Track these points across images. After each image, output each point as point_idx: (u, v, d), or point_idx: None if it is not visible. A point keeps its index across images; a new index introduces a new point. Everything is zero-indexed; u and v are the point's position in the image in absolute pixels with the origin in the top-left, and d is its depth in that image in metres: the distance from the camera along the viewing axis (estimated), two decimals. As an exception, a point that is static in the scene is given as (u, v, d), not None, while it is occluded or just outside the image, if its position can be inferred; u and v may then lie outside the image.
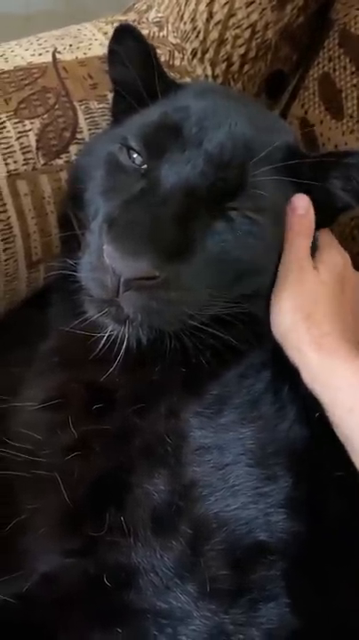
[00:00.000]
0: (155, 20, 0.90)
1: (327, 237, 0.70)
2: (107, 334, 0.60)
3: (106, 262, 0.55)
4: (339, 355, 0.58)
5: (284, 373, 0.60)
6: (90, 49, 0.85)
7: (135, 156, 0.65)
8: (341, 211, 0.70)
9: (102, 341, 0.60)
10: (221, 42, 0.87)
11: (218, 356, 0.61)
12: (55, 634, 0.52)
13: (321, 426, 0.57)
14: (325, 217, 0.69)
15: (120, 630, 0.51)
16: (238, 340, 0.61)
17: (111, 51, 0.75)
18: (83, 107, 0.81)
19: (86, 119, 0.81)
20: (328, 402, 0.57)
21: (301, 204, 0.66)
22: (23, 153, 0.76)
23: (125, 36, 0.73)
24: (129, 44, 0.72)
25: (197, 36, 0.88)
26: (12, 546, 0.57)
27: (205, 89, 0.79)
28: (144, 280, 0.55)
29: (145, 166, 0.64)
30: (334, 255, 0.68)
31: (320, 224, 0.68)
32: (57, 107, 0.79)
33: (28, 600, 0.53)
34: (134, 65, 0.71)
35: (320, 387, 0.58)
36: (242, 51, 0.88)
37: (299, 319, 0.61)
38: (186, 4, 0.88)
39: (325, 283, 0.65)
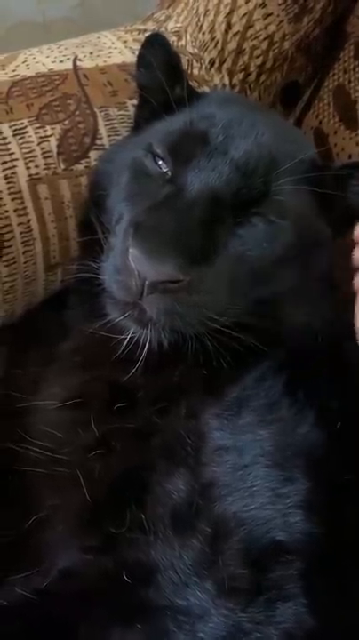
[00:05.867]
0: (173, 30, 0.91)
1: None
2: (129, 336, 0.61)
3: (131, 265, 0.56)
4: None
5: (302, 377, 0.61)
6: (110, 57, 0.86)
7: (160, 162, 0.66)
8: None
9: (124, 343, 0.61)
10: (239, 52, 0.89)
11: (238, 359, 0.62)
12: (75, 629, 0.52)
13: (340, 433, 0.58)
14: (343, 226, 0.70)
15: (140, 626, 0.52)
16: (258, 343, 0.62)
17: (140, 56, 0.77)
18: (103, 113, 0.82)
19: (106, 125, 0.82)
20: None
21: None
22: (44, 158, 0.78)
23: (155, 44, 0.75)
24: (157, 52, 0.74)
25: (216, 46, 0.89)
26: (32, 542, 0.58)
27: (227, 99, 0.80)
28: (168, 283, 0.56)
29: (170, 173, 0.65)
30: None
31: (337, 234, 0.69)
32: (77, 113, 0.80)
33: (48, 596, 0.53)
34: (161, 72, 0.73)
35: None
36: (259, 61, 0.90)
37: None
38: (205, 14, 0.89)
39: None
